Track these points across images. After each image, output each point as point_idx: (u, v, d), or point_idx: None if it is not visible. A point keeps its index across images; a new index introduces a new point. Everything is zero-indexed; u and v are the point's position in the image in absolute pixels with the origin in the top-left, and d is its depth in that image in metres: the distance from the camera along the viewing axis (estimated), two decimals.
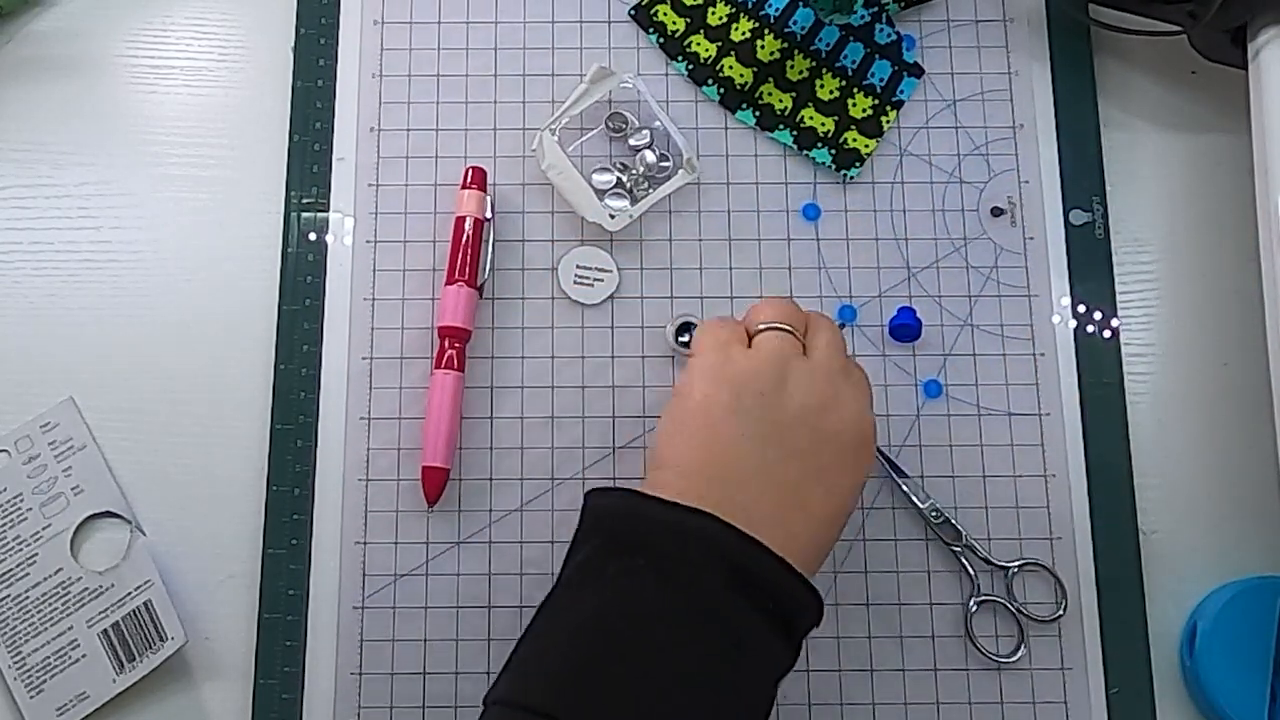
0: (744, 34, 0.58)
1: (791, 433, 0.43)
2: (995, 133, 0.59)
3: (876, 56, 0.59)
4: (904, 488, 0.53)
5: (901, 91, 0.59)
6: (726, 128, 0.59)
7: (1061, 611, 0.52)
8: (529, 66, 0.59)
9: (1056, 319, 0.56)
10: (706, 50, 0.59)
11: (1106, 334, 0.56)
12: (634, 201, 0.57)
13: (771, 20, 0.58)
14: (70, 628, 0.51)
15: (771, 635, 0.40)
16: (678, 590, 0.39)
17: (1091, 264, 0.57)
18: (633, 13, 0.60)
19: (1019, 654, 0.52)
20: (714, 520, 0.40)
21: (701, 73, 0.59)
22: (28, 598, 0.51)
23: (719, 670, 0.39)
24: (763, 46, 0.58)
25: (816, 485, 0.43)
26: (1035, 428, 0.55)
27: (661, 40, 0.59)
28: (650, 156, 0.57)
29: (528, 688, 0.39)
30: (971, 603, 0.52)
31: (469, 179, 0.56)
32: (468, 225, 0.55)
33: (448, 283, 0.55)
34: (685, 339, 0.55)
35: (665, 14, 0.60)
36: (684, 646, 0.39)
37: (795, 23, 0.58)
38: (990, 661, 0.52)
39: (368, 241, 0.57)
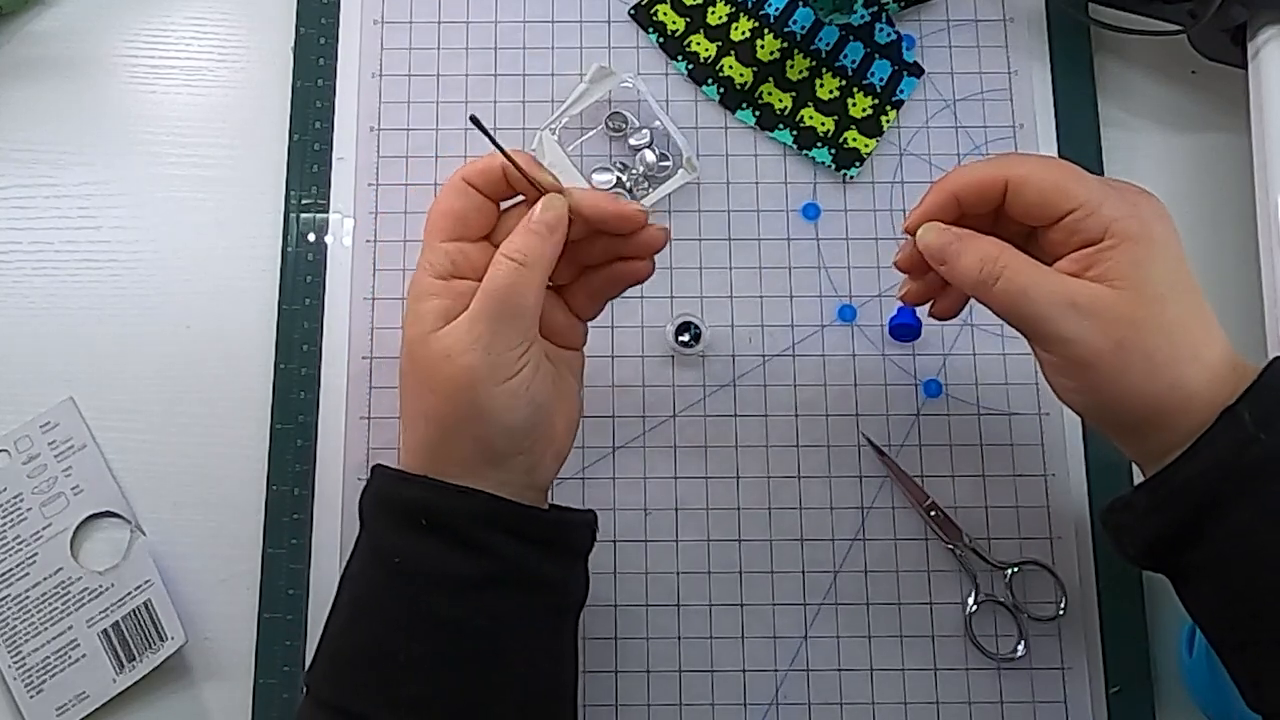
0: (744, 34, 0.58)
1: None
2: (995, 132, 0.59)
3: (876, 56, 0.59)
4: (903, 483, 0.53)
5: (901, 91, 0.59)
6: (726, 128, 0.59)
7: (1061, 611, 0.52)
8: (529, 66, 0.59)
9: None
10: (706, 50, 0.59)
11: None
12: (634, 201, 0.57)
13: (771, 20, 0.58)
14: (70, 628, 0.51)
15: (444, 549, 0.41)
16: (372, 548, 0.43)
17: None
18: (633, 13, 0.60)
19: (1019, 654, 0.52)
20: (379, 470, 0.43)
21: (701, 72, 0.59)
22: (28, 598, 0.51)
23: (397, 597, 0.41)
24: (763, 46, 0.58)
25: (408, 399, 0.43)
26: (1035, 428, 0.55)
27: (661, 40, 0.59)
28: (650, 156, 0.57)
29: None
30: (971, 603, 0.52)
31: None
32: None
33: None
34: (685, 338, 0.55)
35: (665, 14, 0.60)
36: (386, 597, 0.41)
37: (795, 22, 0.58)
38: (990, 661, 0.52)
39: (368, 241, 0.57)
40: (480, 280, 0.41)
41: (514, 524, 0.41)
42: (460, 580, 0.41)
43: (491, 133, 0.42)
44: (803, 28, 0.58)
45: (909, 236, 0.45)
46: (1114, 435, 0.44)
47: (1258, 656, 0.40)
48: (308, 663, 0.51)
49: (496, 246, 0.42)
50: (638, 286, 0.46)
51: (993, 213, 0.44)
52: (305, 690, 0.42)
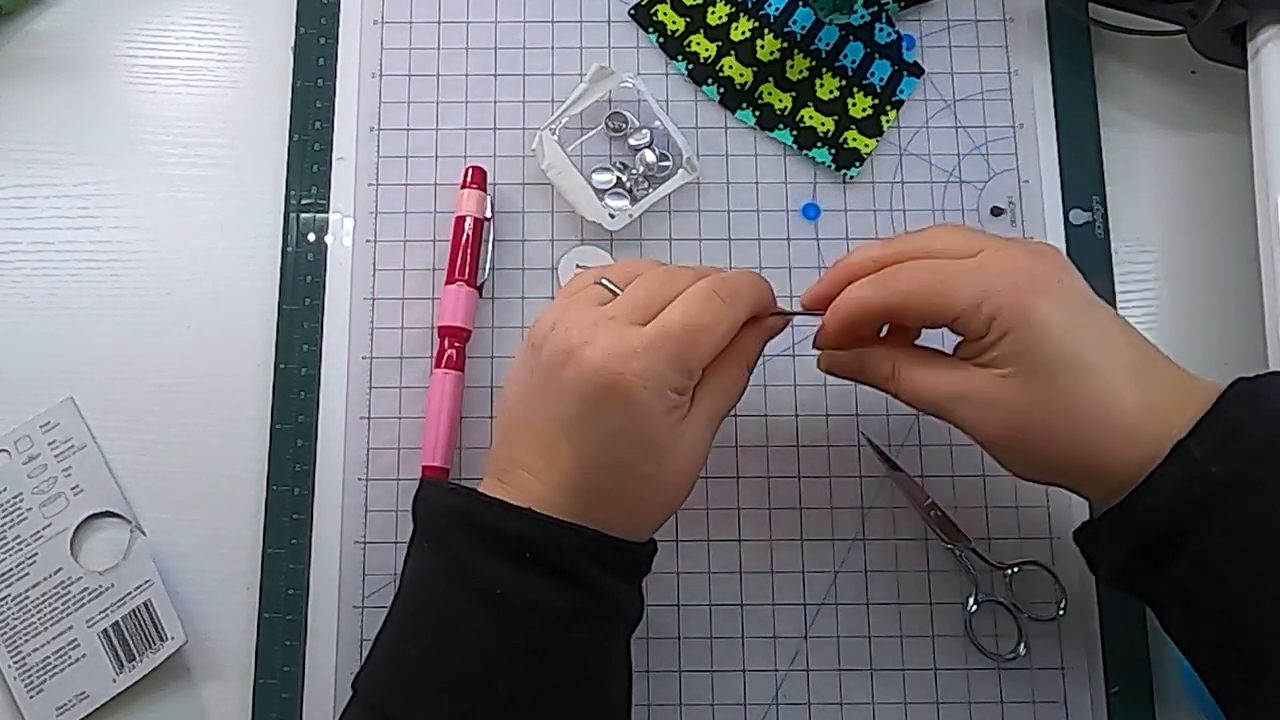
0: (744, 33, 0.58)
1: (545, 383, 0.42)
2: (995, 132, 0.59)
3: (876, 56, 0.59)
4: (903, 482, 0.53)
5: (901, 91, 0.59)
6: (726, 127, 0.59)
7: (1061, 611, 0.52)
8: (529, 66, 0.59)
9: None
10: (706, 50, 0.59)
11: None
12: (634, 201, 0.57)
13: (771, 20, 0.58)
14: (70, 628, 0.51)
15: (545, 582, 0.40)
16: (458, 573, 0.41)
17: (1091, 264, 0.57)
18: (633, 12, 0.60)
19: (1019, 654, 0.52)
20: (446, 489, 0.43)
21: (701, 72, 0.59)
22: (28, 598, 0.51)
23: (495, 627, 0.40)
24: (763, 46, 0.58)
25: (563, 438, 0.41)
26: None
27: (661, 40, 0.59)
28: (650, 156, 0.57)
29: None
30: (971, 603, 0.52)
31: (469, 178, 0.56)
32: (468, 225, 0.55)
33: (448, 282, 0.55)
34: None
35: (665, 14, 0.60)
36: (464, 613, 0.41)
37: (795, 22, 0.58)
38: (990, 661, 0.52)
39: (368, 241, 0.57)
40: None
41: (614, 559, 0.42)
42: (561, 613, 0.40)
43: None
44: (803, 28, 0.58)
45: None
46: (1067, 489, 0.45)
47: (1232, 682, 0.40)
48: (308, 661, 0.52)
49: None
50: None
51: None
52: (354, 697, 0.42)
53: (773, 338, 0.47)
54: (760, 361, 0.55)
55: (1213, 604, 0.40)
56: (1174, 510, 0.39)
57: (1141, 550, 0.41)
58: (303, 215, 0.57)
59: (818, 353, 0.55)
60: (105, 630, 0.51)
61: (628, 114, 0.58)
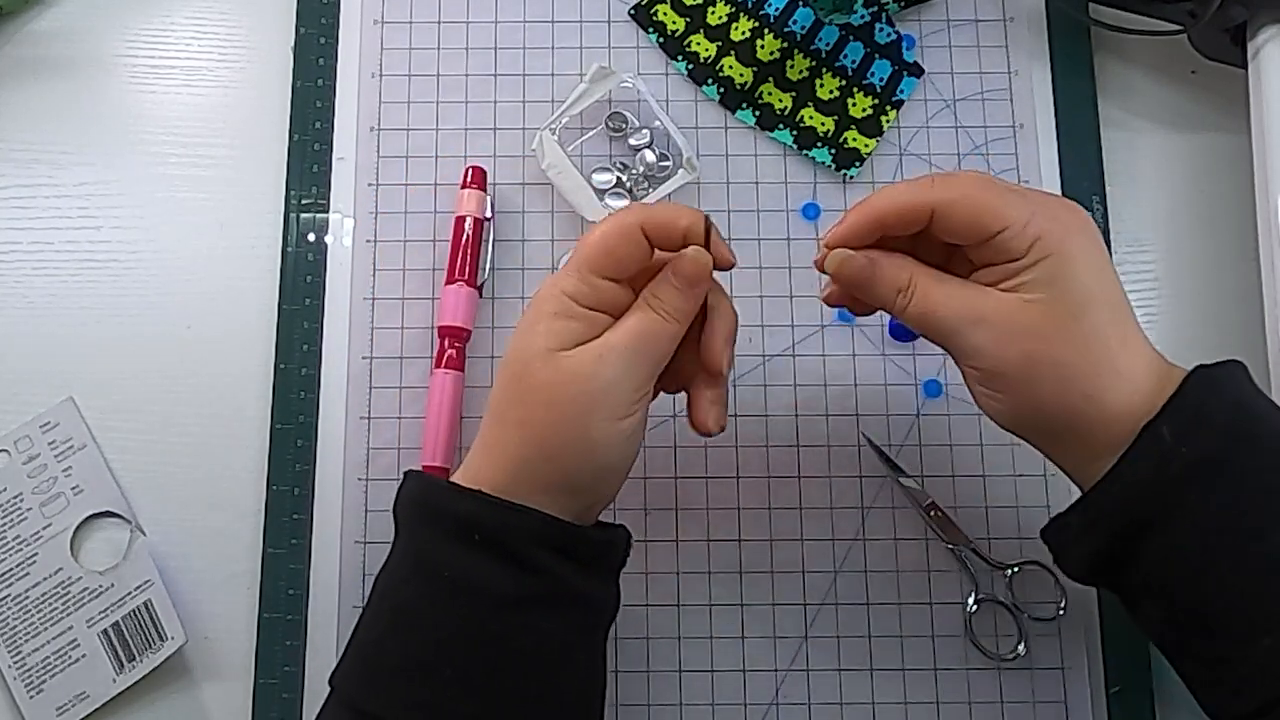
0: (744, 33, 0.58)
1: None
2: (995, 132, 0.59)
3: (876, 56, 0.59)
4: (904, 484, 0.53)
5: (901, 91, 0.59)
6: (726, 128, 0.59)
7: (1061, 611, 0.52)
8: (529, 66, 0.59)
9: None
10: (706, 50, 0.59)
11: None
12: (634, 201, 0.57)
13: (771, 20, 0.58)
14: (70, 628, 0.51)
15: (495, 566, 0.41)
16: (416, 558, 0.42)
17: None
18: (633, 12, 0.60)
19: (1019, 654, 0.52)
20: (416, 478, 0.44)
21: (701, 72, 0.59)
22: (28, 598, 0.51)
23: (444, 611, 0.41)
24: (763, 46, 0.58)
25: (510, 410, 0.43)
26: None
27: (661, 40, 0.59)
28: (650, 156, 0.57)
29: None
30: (971, 603, 0.52)
31: (469, 178, 0.56)
32: (468, 225, 0.55)
33: (448, 282, 0.55)
34: None
35: (665, 14, 0.60)
36: (426, 601, 0.41)
37: (795, 22, 0.58)
38: (990, 661, 0.52)
39: (368, 241, 0.57)
40: (614, 315, 0.42)
41: (565, 544, 0.41)
42: (510, 598, 0.40)
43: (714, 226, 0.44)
44: (803, 28, 0.58)
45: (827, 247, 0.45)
46: (1039, 446, 0.44)
47: (1205, 667, 0.40)
48: (308, 661, 0.52)
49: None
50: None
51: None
52: (331, 690, 0.42)
53: (698, 290, 0.43)
54: (760, 360, 0.56)
55: (1184, 588, 0.39)
56: (1148, 494, 0.39)
57: (1114, 538, 0.41)
58: (303, 215, 0.57)
59: (818, 353, 0.56)
60: (105, 630, 0.51)
61: (628, 114, 0.58)
